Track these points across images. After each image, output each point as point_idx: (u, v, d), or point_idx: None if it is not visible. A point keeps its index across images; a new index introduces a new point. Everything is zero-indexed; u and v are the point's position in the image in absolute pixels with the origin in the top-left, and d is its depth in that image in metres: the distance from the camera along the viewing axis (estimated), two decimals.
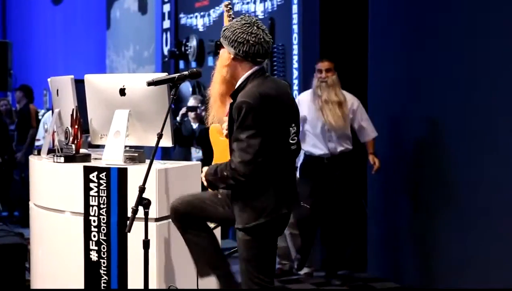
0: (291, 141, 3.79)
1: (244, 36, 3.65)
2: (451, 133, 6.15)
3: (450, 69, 6.13)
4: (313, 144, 5.76)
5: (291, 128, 3.79)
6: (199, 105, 8.27)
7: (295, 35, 7.44)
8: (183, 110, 8.26)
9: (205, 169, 3.95)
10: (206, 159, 7.24)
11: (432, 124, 6.24)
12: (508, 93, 5.55)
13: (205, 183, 3.97)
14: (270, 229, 3.74)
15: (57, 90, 5.57)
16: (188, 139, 8.09)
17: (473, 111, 5.89)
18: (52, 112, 6.34)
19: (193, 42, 9.93)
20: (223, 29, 3.82)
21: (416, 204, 6.58)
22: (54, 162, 4.94)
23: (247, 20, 3.80)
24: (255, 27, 3.70)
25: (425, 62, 6.42)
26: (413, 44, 6.60)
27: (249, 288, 3.82)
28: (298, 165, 5.99)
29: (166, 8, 11.55)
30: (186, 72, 4.25)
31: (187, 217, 4.03)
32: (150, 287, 3.83)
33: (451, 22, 6.12)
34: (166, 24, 11.55)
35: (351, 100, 5.84)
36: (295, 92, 7.13)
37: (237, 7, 8.73)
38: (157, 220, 4.19)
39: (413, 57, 6.54)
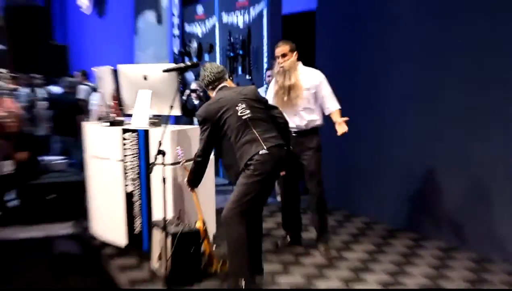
0: (240, 114, 4.24)
1: (207, 76, 4.47)
2: (373, 107, 6.34)
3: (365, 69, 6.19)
4: None
5: (237, 108, 4.26)
6: (198, 88, 8.29)
7: (265, 39, 7.93)
8: (187, 91, 8.33)
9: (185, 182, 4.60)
10: None
11: (363, 103, 6.46)
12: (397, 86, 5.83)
13: (188, 186, 4.56)
14: (263, 164, 4.12)
15: (100, 76, 6.24)
16: (191, 111, 8.23)
17: (382, 96, 6.12)
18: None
19: (194, 44, 10.37)
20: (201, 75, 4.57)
21: (356, 152, 6.72)
22: (101, 126, 5.58)
23: (205, 68, 4.56)
24: (208, 69, 4.49)
25: (351, 71, 6.61)
26: (343, 59, 6.72)
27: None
28: None
29: (175, 20, 11.82)
30: (188, 63, 4.73)
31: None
32: (167, 208, 4.32)
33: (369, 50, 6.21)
34: (176, 31, 11.83)
35: (313, 76, 5.16)
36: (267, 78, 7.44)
37: (224, 19, 9.27)
38: (171, 164, 4.82)
39: (344, 65, 6.71)
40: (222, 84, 4.49)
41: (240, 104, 4.29)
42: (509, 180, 4.89)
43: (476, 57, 5.26)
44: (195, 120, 8.13)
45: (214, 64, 4.59)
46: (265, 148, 4.15)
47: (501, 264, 5.02)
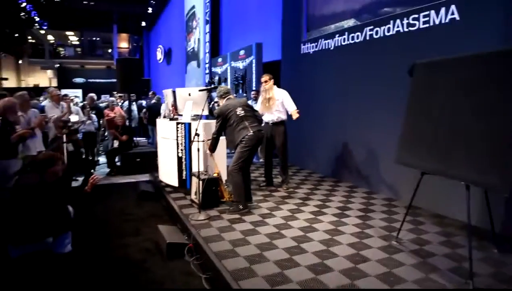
0: (238, 113, 4.20)
1: (220, 91, 4.48)
2: (315, 104, 6.15)
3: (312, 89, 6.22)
4: (265, 116, 5.05)
5: (236, 110, 4.22)
6: (218, 101, 8.54)
7: (253, 75, 7.83)
8: (213, 103, 8.51)
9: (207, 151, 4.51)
10: None
11: (311, 107, 6.26)
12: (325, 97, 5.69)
13: (209, 151, 4.47)
14: (250, 140, 4.11)
15: (166, 94, 6.14)
16: (212, 112, 8.28)
17: (318, 102, 5.95)
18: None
19: (216, 77, 10.31)
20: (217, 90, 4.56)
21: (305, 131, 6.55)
22: (166, 120, 5.50)
23: (219, 86, 4.60)
24: (221, 88, 4.54)
25: (300, 89, 6.32)
26: (295, 83, 6.47)
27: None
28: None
29: (207, 65, 11.85)
30: (212, 86, 4.90)
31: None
32: (200, 165, 4.27)
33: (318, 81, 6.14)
34: (207, 71, 11.89)
35: (282, 94, 5.05)
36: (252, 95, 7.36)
37: (233, 64, 9.09)
38: (202, 141, 4.63)
39: (296, 86, 6.45)
40: (228, 96, 4.46)
41: (239, 108, 4.29)
42: (386, 148, 4.76)
43: (370, 88, 5.16)
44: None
45: (224, 86, 4.69)
46: (251, 132, 4.17)
47: (381, 195, 4.95)
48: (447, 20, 4.02)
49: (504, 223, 3.47)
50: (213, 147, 4.46)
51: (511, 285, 2.63)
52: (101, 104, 9.94)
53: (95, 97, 8.71)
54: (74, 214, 3.51)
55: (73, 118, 6.26)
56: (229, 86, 4.64)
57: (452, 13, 3.96)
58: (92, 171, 3.46)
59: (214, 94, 8.95)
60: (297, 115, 4.83)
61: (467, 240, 2.76)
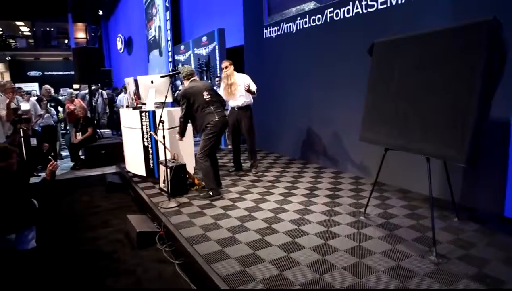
0: (205, 97, 4.11)
1: (185, 71, 4.29)
2: (281, 92, 6.20)
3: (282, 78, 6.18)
4: (230, 102, 5.08)
5: (203, 93, 4.12)
6: (181, 87, 8.41)
7: (217, 61, 7.63)
8: (178, 91, 8.41)
9: (177, 136, 4.28)
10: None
11: (276, 91, 6.31)
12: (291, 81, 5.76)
13: (178, 138, 4.28)
14: (215, 126, 4.08)
15: (128, 82, 5.98)
16: (176, 100, 8.22)
17: (282, 84, 5.99)
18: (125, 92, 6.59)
19: (179, 65, 9.89)
20: (181, 71, 4.33)
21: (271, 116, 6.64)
22: (129, 109, 5.37)
23: (184, 66, 4.42)
24: (185, 67, 4.35)
25: (263, 72, 6.34)
26: (258, 67, 6.46)
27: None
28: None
29: (169, 53, 11.66)
30: (174, 72, 4.56)
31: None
32: (166, 153, 4.22)
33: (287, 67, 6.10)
34: (170, 59, 11.69)
35: (243, 78, 5.01)
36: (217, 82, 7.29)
37: (196, 51, 8.89)
38: (168, 129, 4.67)
39: (259, 70, 6.47)
40: (193, 78, 4.33)
41: (205, 92, 4.19)
42: (351, 127, 4.83)
43: (333, 69, 5.23)
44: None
45: (188, 66, 4.45)
46: (216, 117, 4.13)
47: (349, 174, 5.06)
48: (403, 1, 4.12)
49: (463, 193, 3.65)
50: (182, 132, 4.30)
51: (469, 249, 2.78)
52: (60, 97, 9.57)
53: (51, 89, 8.30)
54: (38, 208, 3.36)
55: (24, 106, 5.88)
56: (192, 67, 4.43)
57: None
58: (49, 157, 3.28)
59: (178, 82, 8.88)
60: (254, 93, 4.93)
61: (429, 211, 2.88)
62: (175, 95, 7.56)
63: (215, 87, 5.63)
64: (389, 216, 3.48)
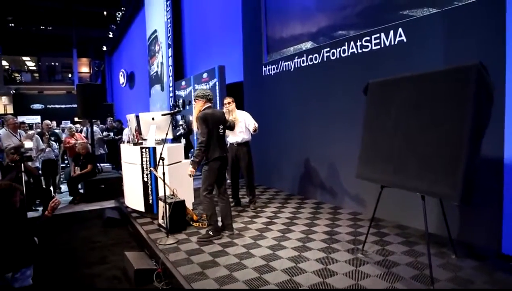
0: (220, 131, 4.06)
1: (206, 93, 4.12)
2: (282, 124, 6.30)
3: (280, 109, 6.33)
4: (230, 137, 5.11)
5: (219, 126, 4.07)
6: (183, 124, 8.48)
7: (217, 97, 7.71)
8: (179, 127, 8.52)
9: (189, 167, 3.96)
10: (187, 144, 7.77)
11: (274, 127, 6.36)
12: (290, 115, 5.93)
13: (190, 172, 3.94)
14: (217, 161, 4.01)
15: (129, 119, 6.14)
16: (178, 137, 8.28)
17: (281, 121, 6.10)
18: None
19: (180, 100, 10.09)
20: (196, 93, 4.18)
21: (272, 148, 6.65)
22: (130, 145, 5.48)
23: (205, 89, 4.42)
24: (208, 91, 4.19)
25: (263, 109, 6.47)
26: (258, 104, 6.62)
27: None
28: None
29: (171, 89, 11.87)
30: (175, 110, 4.79)
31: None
32: (165, 189, 4.27)
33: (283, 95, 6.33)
34: (171, 94, 11.89)
35: (243, 115, 5.16)
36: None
37: (196, 87, 8.98)
38: (168, 165, 4.73)
39: (259, 106, 6.65)
40: (210, 104, 4.17)
41: (221, 125, 4.13)
42: (348, 164, 4.84)
43: (330, 106, 5.34)
44: (182, 141, 8.14)
45: (208, 90, 4.33)
46: (219, 154, 4.04)
47: (347, 209, 5.07)
48: (396, 42, 4.30)
49: (460, 229, 3.66)
50: (200, 162, 3.99)
51: (468, 287, 2.77)
52: (56, 130, 9.61)
53: (51, 124, 8.42)
54: (38, 245, 3.36)
55: (27, 144, 5.92)
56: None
57: (400, 35, 4.25)
58: (53, 194, 3.27)
59: (178, 117, 9.03)
60: (255, 129, 4.95)
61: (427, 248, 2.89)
62: (176, 133, 7.64)
63: None
64: (387, 253, 3.47)
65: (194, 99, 4.23)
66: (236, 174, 5.36)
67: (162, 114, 4.99)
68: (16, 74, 28.58)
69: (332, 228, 4.28)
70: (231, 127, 4.52)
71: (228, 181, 6.02)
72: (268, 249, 3.67)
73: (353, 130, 4.65)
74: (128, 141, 5.91)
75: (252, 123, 5.07)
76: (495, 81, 2.68)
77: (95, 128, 8.99)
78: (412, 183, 2.93)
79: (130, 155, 5.38)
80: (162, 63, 13.19)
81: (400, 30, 4.24)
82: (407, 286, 2.83)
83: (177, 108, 9.22)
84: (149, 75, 14.95)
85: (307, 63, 5.78)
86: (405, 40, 4.20)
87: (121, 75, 21.10)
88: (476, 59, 2.61)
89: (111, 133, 10.11)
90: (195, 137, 8.03)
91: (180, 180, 4.87)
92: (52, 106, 23.66)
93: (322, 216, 4.82)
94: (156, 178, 4.89)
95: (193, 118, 4.27)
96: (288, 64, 6.21)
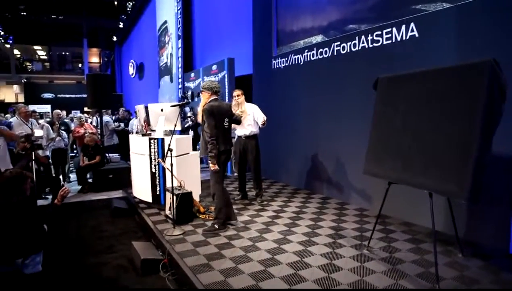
0: (225, 124, 4.10)
1: (212, 85, 4.12)
2: (290, 120, 6.32)
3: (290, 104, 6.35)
4: (238, 130, 5.18)
5: (225, 119, 4.11)
6: (192, 116, 8.49)
7: (226, 90, 7.69)
8: (188, 119, 8.54)
9: (210, 164, 3.96)
10: (195, 136, 7.73)
11: (283, 121, 6.43)
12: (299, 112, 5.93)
13: (213, 167, 3.95)
14: (223, 154, 4.06)
15: (138, 110, 6.17)
16: (186, 129, 8.32)
17: (289, 115, 6.15)
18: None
19: (189, 92, 10.17)
20: (203, 85, 4.19)
21: (280, 143, 6.72)
22: (139, 136, 5.50)
23: (212, 81, 4.26)
24: (215, 83, 4.21)
25: (272, 102, 6.50)
26: (267, 97, 6.64)
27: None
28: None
29: (180, 80, 11.88)
30: (184, 102, 4.83)
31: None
32: (173, 180, 4.24)
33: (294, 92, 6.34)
34: (180, 86, 11.89)
35: (252, 107, 5.16)
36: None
37: (205, 79, 8.91)
38: (176, 156, 4.70)
39: (268, 99, 6.63)
40: (216, 96, 4.17)
41: (227, 118, 4.16)
42: (356, 159, 4.83)
43: (339, 101, 5.31)
44: (191, 133, 8.16)
45: (216, 82, 4.29)
46: (226, 147, 4.09)
47: (354, 205, 5.06)
48: (407, 37, 4.26)
49: (467, 228, 3.64)
50: (216, 155, 3.96)
51: (473, 287, 2.76)
52: (65, 120, 9.69)
53: (61, 113, 8.51)
54: (47, 233, 3.42)
55: (37, 133, 6.01)
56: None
57: (412, 30, 4.20)
58: (62, 183, 3.31)
59: (186, 109, 9.06)
60: (264, 122, 4.98)
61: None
62: (185, 124, 7.64)
63: None
64: (392, 250, 3.47)
65: (201, 91, 4.24)
66: (243, 167, 5.38)
67: (171, 106, 4.97)
68: (28, 63, 28.88)
69: (338, 223, 4.28)
70: (238, 121, 4.56)
71: (235, 174, 6.11)
72: (274, 243, 3.69)
73: (362, 126, 4.62)
74: (137, 132, 5.91)
75: (261, 117, 5.08)
76: (508, 78, 2.63)
77: (107, 118, 9.10)
78: (419, 180, 2.91)
79: (138, 146, 5.41)
80: (171, 54, 13.20)
81: (412, 25, 4.19)
82: (412, 283, 2.82)
83: (185, 100, 9.26)
84: (159, 67, 14.98)
85: (317, 57, 5.75)
86: (417, 35, 4.15)
87: (131, 66, 21.19)
88: (490, 55, 2.57)
89: (122, 124, 10.17)
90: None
91: (187, 171, 4.91)
92: (62, 95, 23.86)
93: (329, 211, 4.82)
94: (164, 169, 4.93)
95: (199, 110, 4.30)
96: (298, 57, 6.18)
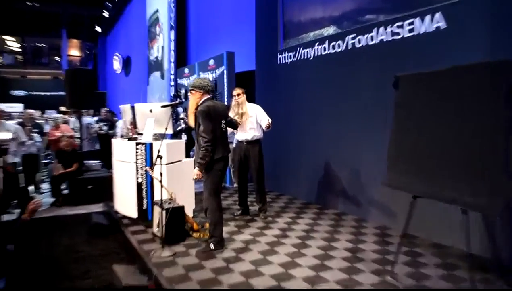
0: (222, 127, 4.08)
1: (204, 83, 4.10)
2: (297, 125, 6.23)
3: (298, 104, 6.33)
4: (238, 134, 5.21)
5: (222, 121, 4.08)
6: (185, 117, 8.29)
7: (225, 87, 7.68)
8: (180, 122, 8.37)
9: (195, 170, 3.92)
10: (188, 141, 7.71)
11: (290, 124, 6.34)
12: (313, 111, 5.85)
13: (196, 176, 3.92)
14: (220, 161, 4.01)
15: (124, 110, 6.21)
16: (178, 132, 8.27)
17: (299, 116, 6.03)
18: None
19: (182, 91, 10.03)
20: (192, 83, 4.15)
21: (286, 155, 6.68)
22: (123, 140, 5.52)
23: (203, 78, 4.27)
24: (207, 80, 4.21)
25: (276, 103, 6.48)
26: (272, 96, 6.58)
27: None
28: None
29: (172, 76, 11.98)
30: (177, 102, 4.83)
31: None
32: (162, 192, 4.16)
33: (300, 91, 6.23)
34: (172, 83, 11.96)
35: (255, 108, 5.15)
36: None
37: (201, 75, 8.86)
38: (167, 164, 4.69)
39: (273, 100, 6.58)
40: (209, 96, 4.14)
41: (223, 120, 4.13)
42: (376, 169, 4.77)
43: (355, 102, 5.26)
44: (183, 137, 8.17)
45: (208, 80, 4.27)
46: (222, 154, 4.04)
47: (373, 222, 5.00)
48: (433, 29, 4.22)
49: (509, 251, 3.54)
50: (206, 163, 3.94)
51: None
52: (39, 121, 9.63)
53: (34, 113, 8.48)
54: (13, 254, 3.34)
55: (3, 135, 5.95)
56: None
57: (438, 21, 4.16)
58: (32, 194, 3.26)
59: (179, 109, 9.04)
60: (268, 125, 4.88)
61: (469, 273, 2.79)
62: (177, 127, 7.59)
63: None
64: (420, 277, 3.38)
65: (190, 90, 4.20)
66: (244, 176, 5.33)
67: (162, 106, 4.91)
68: None
69: (355, 244, 4.21)
70: (233, 124, 4.58)
71: (235, 185, 6.09)
72: (280, 267, 3.62)
73: (381, 130, 4.54)
74: (122, 136, 5.87)
75: (265, 119, 5.03)
76: None
77: (89, 119, 9.09)
78: (448, 194, 2.83)
79: (123, 152, 5.38)
80: (163, 47, 13.24)
81: (438, 14, 4.16)
82: None
83: (178, 100, 9.22)
84: (148, 61, 15.02)
85: (329, 51, 5.72)
86: (443, 26, 4.11)
87: (116, 60, 21.24)
88: None
89: (106, 127, 10.08)
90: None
91: (179, 182, 4.87)
92: (36, 93, 23.91)
93: (344, 229, 4.75)
94: (152, 179, 4.88)
95: (188, 112, 4.27)
96: (307, 51, 6.16)
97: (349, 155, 5.39)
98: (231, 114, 5.17)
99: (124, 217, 5.35)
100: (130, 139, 5.45)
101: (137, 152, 5.06)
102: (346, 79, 5.41)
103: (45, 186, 8.02)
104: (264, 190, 5.30)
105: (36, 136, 7.78)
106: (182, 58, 12.28)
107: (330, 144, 5.74)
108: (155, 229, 4.51)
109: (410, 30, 4.46)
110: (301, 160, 6.38)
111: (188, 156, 6.20)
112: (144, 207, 5.04)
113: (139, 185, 5.07)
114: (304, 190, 6.32)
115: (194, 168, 4.02)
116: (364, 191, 5.19)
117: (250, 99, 5.60)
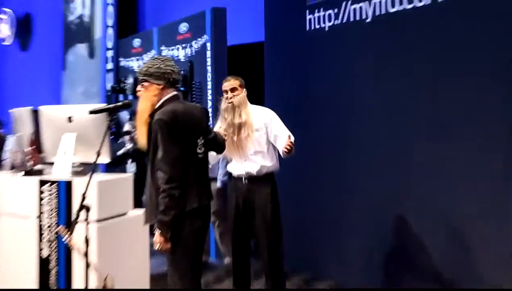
0: (198, 151, 4.13)
1: (166, 68, 4.10)
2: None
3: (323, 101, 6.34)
4: (233, 165, 5.38)
5: (198, 140, 4.13)
6: (133, 130, 8.43)
7: (209, 74, 7.85)
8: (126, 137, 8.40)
9: (156, 235, 3.96)
10: (139, 174, 7.77)
11: (329, 141, 6.42)
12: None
13: (161, 245, 3.96)
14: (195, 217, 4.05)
15: (17, 117, 6.17)
16: (122, 156, 8.30)
17: (346, 132, 6.11)
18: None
19: (130, 80, 10.11)
20: (145, 69, 4.14)
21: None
22: (15, 176, 5.46)
23: (164, 58, 4.28)
24: (171, 63, 4.20)
25: (308, 106, 6.69)
26: (298, 93, 6.84)
27: None
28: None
29: (109, 53, 12.06)
30: (119, 103, 4.64)
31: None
32: (88, 275, 4.08)
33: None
34: (109, 66, 12.04)
35: (263, 115, 5.29)
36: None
37: (164, 52, 9.17)
38: (98, 221, 4.65)
39: (298, 99, 6.83)
40: (176, 92, 4.24)
41: (201, 138, 4.17)
42: (489, 232, 4.84)
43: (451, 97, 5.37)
44: (128, 168, 8.42)
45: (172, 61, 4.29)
46: (197, 203, 4.08)
47: None
48: None
49: None
50: (171, 222, 3.94)
51: None
52: None
53: None
54: None
55: None
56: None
57: None
58: None
59: (124, 116, 8.99)
60: (290, 146, 4.89)
61: None
62: (119, 150, 7.57)
63: None
64: None
65: (141, 81, 4.22)
66: (243, 244, 5.32)
67: (90, 111, 4.81)
68: None
69: None
70: (220, 144, 4.64)
71: (227, 259, 6.02)
72: None
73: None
74: (13, 167, 5.84)
75: (282, 135, 5.09)
76: None
77: None
78: None
79: (14, 197, 5.34)
80: (92, 0, 13.29)
81: None
82: None
83: (123, 98, 9.20)
84: (65, 24, 15.07)
85: (402, 7, 5.77)
86: None
87: (2, 20, 21.29)
88: None
89: None
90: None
91: (122, 254, 4.86)
92: None
93: None
94: (69, 249, 4.77)
95: (137, 121, 4.30)
96: (361, 7, 6.23)
97: (452, 198, 5.32)
98: (219, 126, 5.24)
99: None
100: (28, 173, 5.40)
101: (41, 198, 5.01)
102: (437, 58, 5.43)
103: None
104: (281, 270, 5.28)
105: None
106: (128, 20, 12.40)
107: (412, 178, 5.71)
108: None
109: None
110: (353, 212, 6.37)
111: (138, 203, 6.20)
112: None
113: (44, 262, 5.00)
114: (358, 270, 6.30)
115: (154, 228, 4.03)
116: (474, 268, 5.12)
117: (256, 97, 5.72)
